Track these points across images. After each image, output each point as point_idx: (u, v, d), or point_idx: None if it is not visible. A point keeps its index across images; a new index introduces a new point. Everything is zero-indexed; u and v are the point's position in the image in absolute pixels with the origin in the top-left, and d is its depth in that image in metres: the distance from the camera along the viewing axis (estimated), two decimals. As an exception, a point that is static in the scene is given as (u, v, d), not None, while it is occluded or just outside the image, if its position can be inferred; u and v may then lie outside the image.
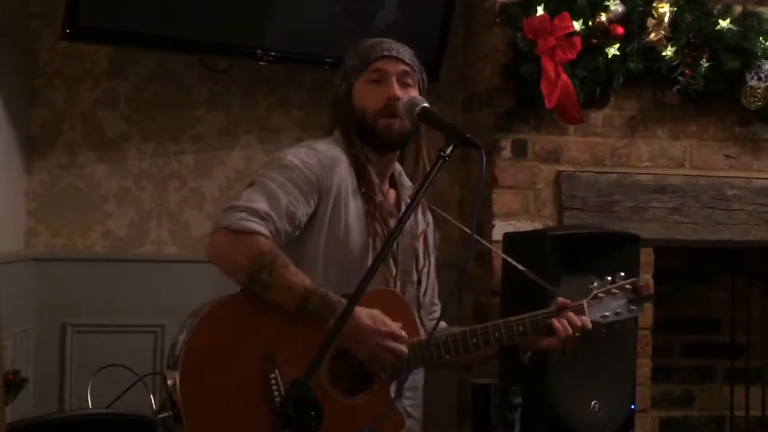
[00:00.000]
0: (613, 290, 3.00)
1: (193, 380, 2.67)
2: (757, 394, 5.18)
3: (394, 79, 2.84)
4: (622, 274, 3.04)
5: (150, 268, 4.82)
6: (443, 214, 3.16)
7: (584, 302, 2.96)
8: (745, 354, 5.21)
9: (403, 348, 2.70)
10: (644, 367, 4.64)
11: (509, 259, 3.15)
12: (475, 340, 2.84)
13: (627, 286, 3.01)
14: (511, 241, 4.33)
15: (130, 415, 3.56)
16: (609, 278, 3.01)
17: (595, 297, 2.98)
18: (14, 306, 4.51)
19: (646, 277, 4.58)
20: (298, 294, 2.64)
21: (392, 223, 2.85)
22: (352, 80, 2.84)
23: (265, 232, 2.69)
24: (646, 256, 4.56)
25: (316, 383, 2.60)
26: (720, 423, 5.29)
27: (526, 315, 2.92)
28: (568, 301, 2.94)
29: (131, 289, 4.78)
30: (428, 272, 2.96)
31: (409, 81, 2.86)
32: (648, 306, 4.57)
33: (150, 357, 4.77)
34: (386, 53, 2.85)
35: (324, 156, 2.80)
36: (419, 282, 2.93)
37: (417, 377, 2.93)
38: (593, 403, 4.01)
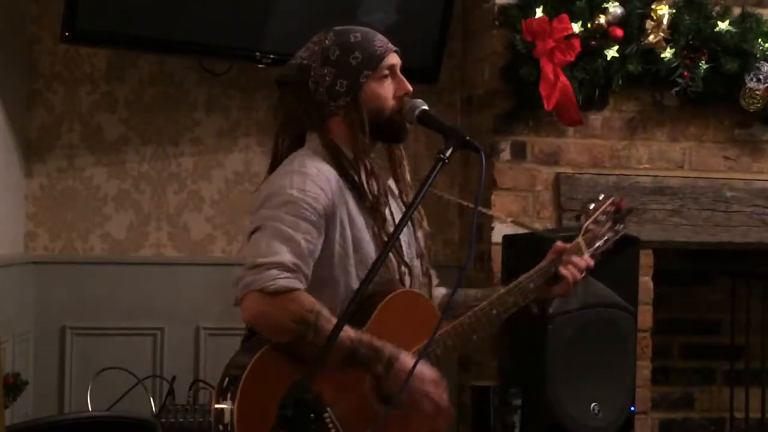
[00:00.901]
0: (599, 217, 2.97)
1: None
2: (756, 396, 5.17)
3: (399, 73, 2.82)
4: (601, 197, 3.02)
5: (149, 271, 4.81)
6: (445, 195, 3.11)
7: (579, 240, 2.92)
8: (744, 356, 5.21)
9: (444, 400, 2.64)
10: (644, 368, 4.63)
11: (509, 219, 3.12)
12: (494, 311, 2.79)
13: (609, 208, 2.99)
14: (511, 242, 4.33)
15: (130, 418, 3.57)
16: (591, 206, 2.99)
17: (587, 231, 2.95)
18: (14, 309, 4.51)
19: (645, 279, 4.59)
20: (345, 347, 2.56)
21: (385, 211, 2.83)
22: (361, 79, 2.75)
23: (300, 285, 2.60)
24: (646, 257, 4.56)
25: (366, 402, 2.62)
26: (720, 425, 5.28)
27: (532, 270, 2.88)
28: (565, 244, 2.92)
29: (130, 291, 4.78)
30: (423, 253, 2.92)
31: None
32: (647, 308, 4.61)
33: (149, 360, 4.77)
34: (389, 47, 2.80)
35: (320, 180, 2.70)
36: (428, 270, 2.89)
37: None
38: (593, 405, 4.02)
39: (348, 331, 2.57)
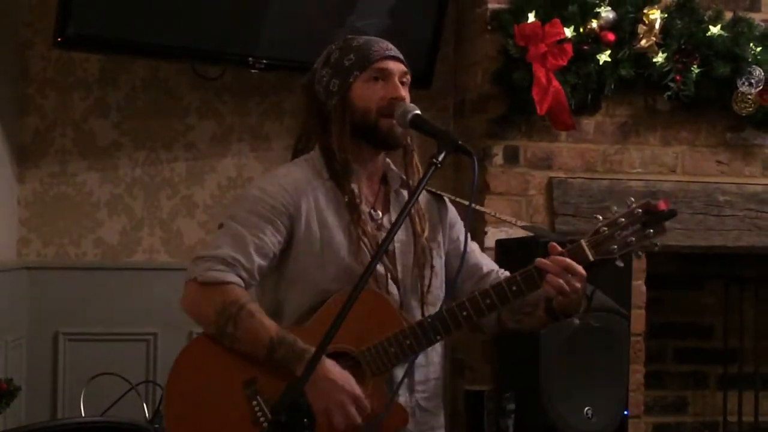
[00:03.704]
0: (620, 219, 2.63)
1: (181, 424, 2.70)
2: (749, 400, 5.19)
3: (396, 79, 2.82)
4: (632, 199, 2.67)
5: (142, 276, 4.81)
6: (446, 195, 3.04)
7: (582, 242, 2.65)
8: (737, 359, 5.22)
9: (358, 418, 2.62)
10: (637, 372, 4.64)
11: (508, 219, 3.03)
12: (465, 313, 2.68)
13: (637, 211, 2.63)
14: (504, 247, 4.34)
15: (123, 423, 3.55)
16: (615, 208, 2.68)
17: (597, 233, 2.64)
18: (7, 315, 4.51)
19: (638, 283, 4.59)
20: (264, 345, 2.63)
21: (383, 219, 2.83)
22: (350, 80, 2.78)
23: (233, 279, 2.68)
24: (639, 262, 4.53)
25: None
26: (713, 429, 5.29)
27: (518, 272, 2.69)
28: (558, 246, 2.67)
29: (124, 297, 4.77)
30: (432, 265, 2.84)
31: (405, 80, 2.84)
32: (640, 312, 4.60)
33: (143, 365, 4.77)
34: (387, 53, 2.82)
35: (284, 180, 2.78)
36: (422, 278, 2.83)
37: (428, 369, 2.83)
38: (586, 409, 4.02)
39: (270, 330, 2.65)
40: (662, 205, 2.65)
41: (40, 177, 4.78)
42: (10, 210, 4.71)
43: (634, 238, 2.64)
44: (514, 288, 2.67)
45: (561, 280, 2.62)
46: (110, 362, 4.54)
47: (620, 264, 2.70)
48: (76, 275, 4.77)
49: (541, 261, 2.65)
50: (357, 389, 2.63)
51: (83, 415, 4.16)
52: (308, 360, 2.47)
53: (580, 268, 2.63)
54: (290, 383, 2.27)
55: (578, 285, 2.64)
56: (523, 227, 3.10)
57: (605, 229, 2.65)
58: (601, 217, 2.67)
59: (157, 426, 4.05)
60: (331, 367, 2.61)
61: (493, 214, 3.28)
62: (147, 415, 4.29)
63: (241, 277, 2.70)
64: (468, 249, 2.89)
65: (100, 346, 4.74)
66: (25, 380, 4.64)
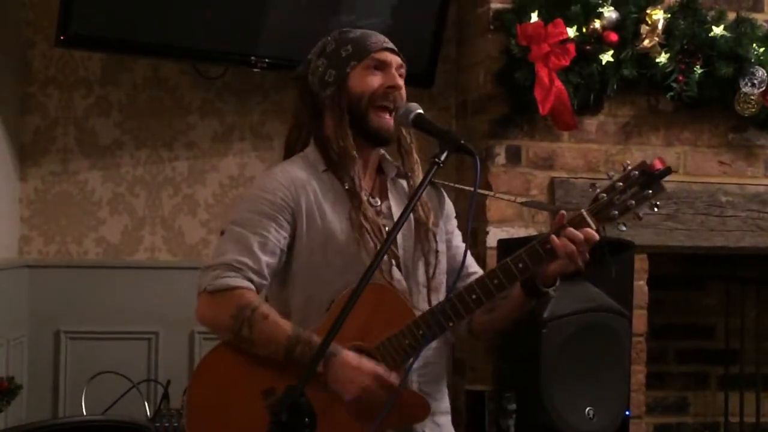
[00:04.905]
0: (618, 184, 2.62)
1: (202, 429, 2.70)
2: (751, 401, 5.18)
3: (394, 70, 2.82)
4: (628, 162, 2.67)
5: (144, 275, 4.81)
6: (444, 182, 3.05)
7: (583, 211, 2.62)
8: (739, 360, 5.21)
9: (394, 380, 2.60)
10: (638, 373, 4.64)
11: (506, 197, 3.04)
12: (474, 296, 2.66)
13: (633, 173, 2.63)
14: (506, 247, 4.33)
15: (125, 422, 3.55)
16: (612, 173, 2.66)
17: (597, 200, 2.63)
18: (8, 313, 4.51)
19: (640, 284, 4.59)
20: (282, 345, 2.62)
21: (382, 207, 2.83)
22: (348, 70, 2.78)
23: (242, 283, 2.68)
24: (641, 262, 4.56)
25: (321, 397, 2.56)
26: (714, 429, 5.29)
27: (522, 249, 2.64)
28: (563, 216, 2.65)
29: (125, 295, 4.77)
30: (436, 252, 2.86)
31: (401, 73, 2.84)
32: (642, 313, 4.60)
33: (144, 364, 4.76)
34: (385, 45, 2.83)
35: (281, 176, 2.78)
36: (427, 264, 2.84)
37: (426, 353, 2.78)
38: (587, 409, 4.01)
39: (286, 329, 2.64)
40: (658, 164, 2.67)
41: (41, 175, 4.78)
42: (12, 208, 4.71)
43: (633, 201, 2.63)
44: (521, 265, 2.65)
45: (571, 250, 2.61)
46: (111, 361, 4.55)
47: (623, 228, 2.69)
48: (77, 274, 4.77)
49: (556, 232, 2.63)
50: (379, 368, 2.61)
51: (84, 413, 4.17)
52: (326, 355, 2.49)
53: (593, 237, 2.62)
54: (289, 385, 2.27)
55: (587, 254, 2.65)
56: (522, 203, 3.12)
57: (604, 195, 2.64)
58: (598, 185, 2.65)
59: (158, 425, 4.06)
60: (348, 356, 2.60)
61: (492, 195, 3.28)
62: (148, 413, 4.29)
63: (250, 280, 2.69)
64: (460, 244, 2.99)
65: (102, 344, 4.73)
66: (27, 379, 4.64)
